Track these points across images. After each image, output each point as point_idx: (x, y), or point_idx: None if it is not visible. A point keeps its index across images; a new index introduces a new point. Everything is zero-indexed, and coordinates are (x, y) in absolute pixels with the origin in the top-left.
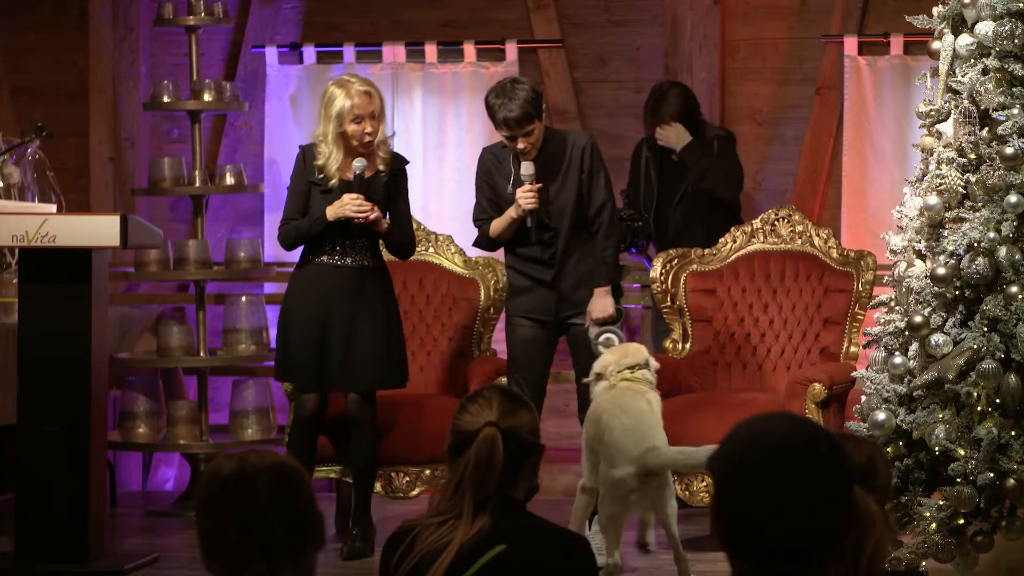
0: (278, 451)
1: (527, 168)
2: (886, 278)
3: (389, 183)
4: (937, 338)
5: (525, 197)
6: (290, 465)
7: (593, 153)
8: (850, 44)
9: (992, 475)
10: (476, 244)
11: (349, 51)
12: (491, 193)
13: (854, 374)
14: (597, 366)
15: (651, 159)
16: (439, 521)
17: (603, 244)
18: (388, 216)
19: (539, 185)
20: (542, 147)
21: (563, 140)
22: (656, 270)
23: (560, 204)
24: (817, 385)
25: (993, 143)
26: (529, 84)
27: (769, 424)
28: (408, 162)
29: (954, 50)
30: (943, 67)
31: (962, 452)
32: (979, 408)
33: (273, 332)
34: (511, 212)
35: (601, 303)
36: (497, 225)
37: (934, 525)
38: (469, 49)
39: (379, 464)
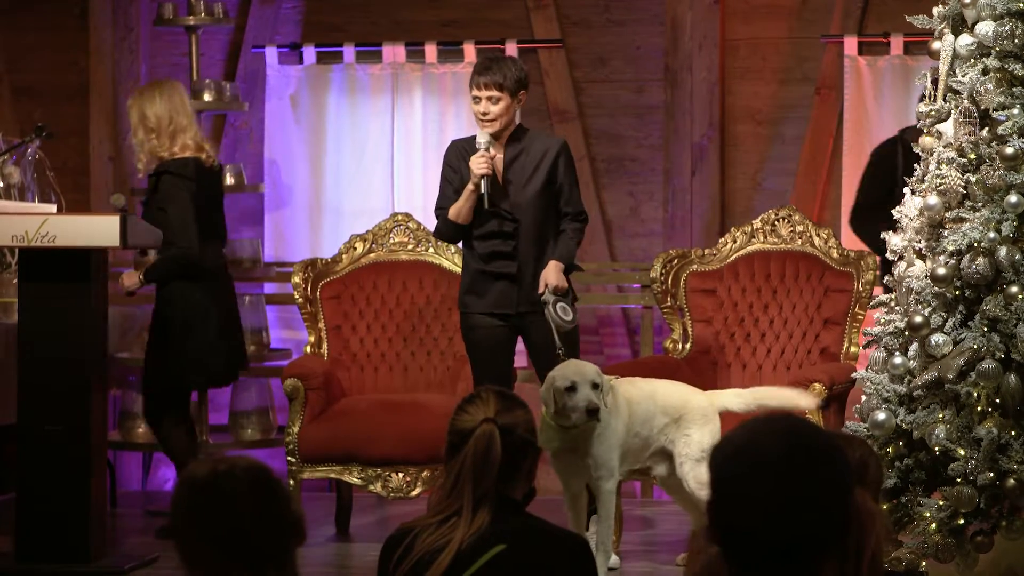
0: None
1: (482, 136)
2: (886, 278)
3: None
4: (937, 338)
5: (477, 163)
6: (261, 467)
7: (568, 158)
8: (850, 44)
9: (992, 475)
10: (436, 232)
11: (349, 51)
12: (459, 183)
13: (854, 374)
14: None
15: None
16: (439, 520)
17: (573, 236)
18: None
19: (494, 153)
20: (515, 141)
21: (536, 140)
22: (656, 270)
23: (526, 197)
24: (817, 385)
25: (993, 143)
26: (520, 64)
27: (764, 430)
28: (166, 171)
29: (954, 50)
30: (943, 67)
31: (962, 452)
32: (979, 408)
33: (274, 332)
34: (468, 186)
35: (556, 273)
36: (455, 206)
37: (934, 525)
38: (469, 49)
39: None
